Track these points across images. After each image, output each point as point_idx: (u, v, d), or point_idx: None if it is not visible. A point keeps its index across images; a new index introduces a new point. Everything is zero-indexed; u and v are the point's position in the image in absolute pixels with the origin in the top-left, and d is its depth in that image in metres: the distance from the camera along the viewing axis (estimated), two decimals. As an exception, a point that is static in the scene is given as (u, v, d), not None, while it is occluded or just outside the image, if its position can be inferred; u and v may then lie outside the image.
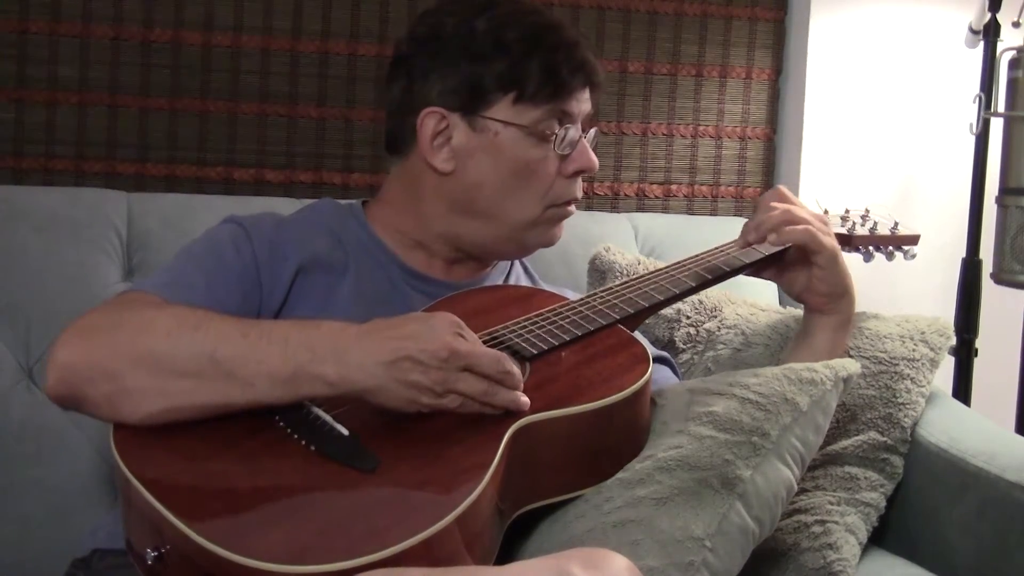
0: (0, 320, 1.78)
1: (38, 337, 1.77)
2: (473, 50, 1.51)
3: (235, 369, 1.28)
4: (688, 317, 1.85)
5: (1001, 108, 2.20)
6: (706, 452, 1.36)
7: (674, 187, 2.32)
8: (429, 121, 1.52)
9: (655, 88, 2.30)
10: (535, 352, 1.41)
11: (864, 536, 1.66)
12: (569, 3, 2.23)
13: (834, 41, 2.34)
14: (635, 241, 2.09)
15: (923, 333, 1.75)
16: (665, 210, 2.30)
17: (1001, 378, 2.29)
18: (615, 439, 1.39)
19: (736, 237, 1.64)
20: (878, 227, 1.75)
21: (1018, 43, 2.18)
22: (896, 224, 1.77)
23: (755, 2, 2.33)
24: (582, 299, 1.52)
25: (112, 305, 1.39)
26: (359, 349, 1.28)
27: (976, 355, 2.22)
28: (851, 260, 1.72)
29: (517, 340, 1.42)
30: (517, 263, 1.69)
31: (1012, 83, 2.18)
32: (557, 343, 1.43)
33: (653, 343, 1.78)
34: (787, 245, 1.59)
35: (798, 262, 1.61)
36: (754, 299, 1.89)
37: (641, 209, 2.29)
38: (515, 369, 1.31)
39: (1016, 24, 2.19)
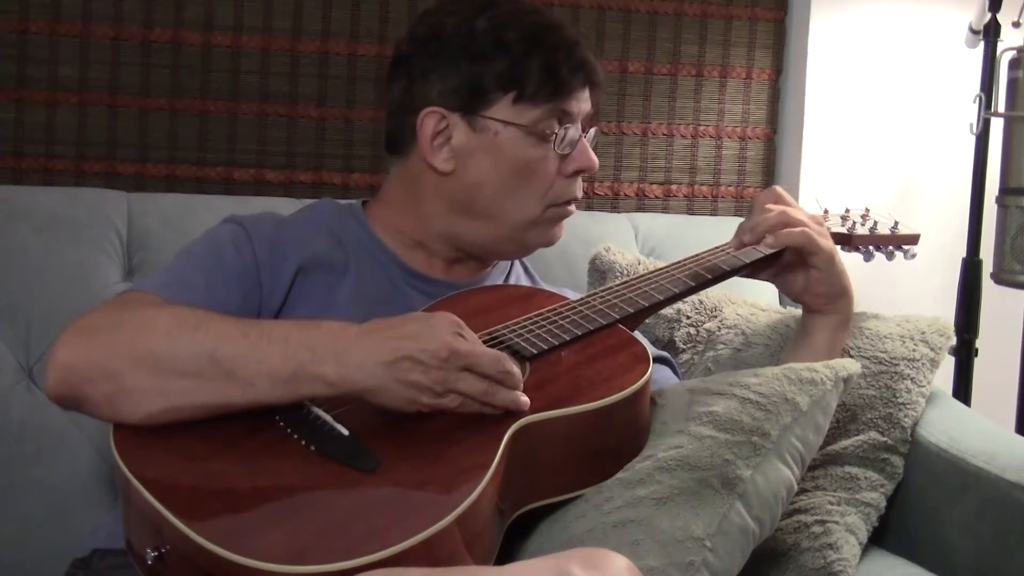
0: (0, 320, 1.78)
1: (38, 337, 1.77)
2: (473, 50, 1.51)
3: (235, 369, 1.28)
4: (688, 317, 1.85)
5: (1001, 108, 2.20)
6: (706, 452, 1.36)
7: (674, 187, 2.32)
8: (429, 121, 1.52)
9: (655, 88, 2.30)
10: (535, 352, 1.41)
11: (864, 536, 1.66)
12: (569, 3, 2.23)
13: (834, 41, 2.34)
14: (635, 241, 2.09)
15: (923, 333, 1.75)
16: (665, 210, 2.30)
17: (1001, 378, 2.29)
18: (615, 439, 1.39)
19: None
20: (878, 226, 1.75)
21: (1018, 43, 2.18)
22: (896, 223, 1.77)
23: (755, 2, 2.33)
24: (582, 299, 1.52)
25: (112, 305, 1.39)
26: (359, 349, 1.28)
27: (976, 355, 2.22)
28: (851, 259, 1.72)
29: (517, 340, 1.42)
30: (517, 263, 1.69)
31: (1012, 83, 2.18)
32: (557, 343, 1.43)
33: (653, 343, 1.78)
34: (784, 247, 1.59)
35: (795, 264, 1.61)
36: (754, 299, 1.89)
37: (641, 209, 2.29)
38: (515, 369, 1.31)
39: (1016, 24, 2.19)
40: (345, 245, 1.55)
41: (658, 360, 1.63)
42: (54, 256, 1.81)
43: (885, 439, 1.69)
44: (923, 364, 1.73)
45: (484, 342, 1.35)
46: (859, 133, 2.37)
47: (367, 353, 1.28)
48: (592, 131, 1.59)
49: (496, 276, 1.64)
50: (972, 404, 2.19)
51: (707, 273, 1.59)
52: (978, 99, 2.20)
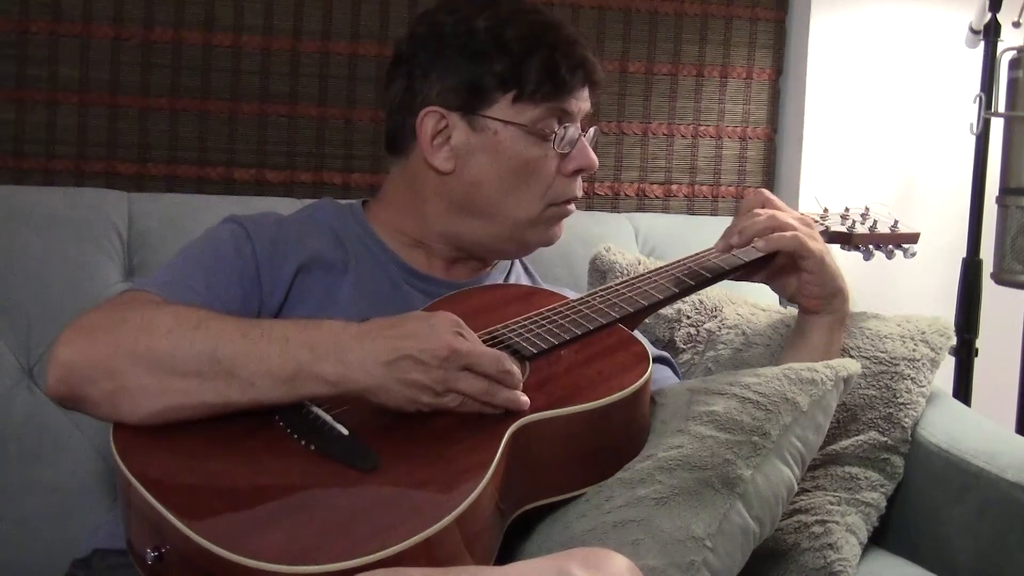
0: (0, 320, 1.78)
1: (39, 337, 1.77)
2: (473, 49, 1.51)
3: (235, 368, 1.28)
4: (688, 317, 1.85)
5: (1001, 108, 2.20)
6: (707, 452, 1.36)
7: (674, 187, 2.32)
8: (429, 120, 1.52)
9: (655, 88, 2.30)
10: (535, 351, 1.41)
11: (865, 536, 1.66)
12: (569, 3, 2.23)
13: (834, 41, 2.34)
14: (635, 241, 2.09)
15: (923, 333, 1.75)
16: (665, 210, 2.30)
17: (1001, 378, 2.29)
18: (615, 438, 1.39)
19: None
20: (878, 225, 1.75)
21: (1018, 43, 2.18)
22: (896, 222, 1.77)
23: (756, 2, 2.33)
24: (582, 298, 1.52)
25: (112, 304, 1.39)
26: (359, 348, 1.28)
27: (976, 355, 2.22)
28: (851, 259, 1.72)
29: (517, 339, 1.42)
30: (517, 263, 1.69)
31: (1012, 83, 2.18)
32: (557, 342, 1.43)
33: (653, 343, 1.78)
34: (774, 251, 1.59)
35: (787, 267, 1.60)
36: (754, 299, 1.89)
37: (641, 209, 2.29)
38: (515, 368, 1.31)
39: (1016, 24, 2.19)
40: (345, 245, 1.55)
41: (658, 360, 1.63)
42: (55, 256, 1.81)
43: (885, 439, 1.69)
44: (923, 364, 1.73)
45: (484, 341, 1.35)
46: (859, 133, 2.37)
47: (367, 352, 1.28)
48: (592, 130, 1.59)
49: (496, 276, 1.64)
50: (972, 404, 2.19)
51: (707, 272, 1.59)
52: (978, 99, 2.20)
